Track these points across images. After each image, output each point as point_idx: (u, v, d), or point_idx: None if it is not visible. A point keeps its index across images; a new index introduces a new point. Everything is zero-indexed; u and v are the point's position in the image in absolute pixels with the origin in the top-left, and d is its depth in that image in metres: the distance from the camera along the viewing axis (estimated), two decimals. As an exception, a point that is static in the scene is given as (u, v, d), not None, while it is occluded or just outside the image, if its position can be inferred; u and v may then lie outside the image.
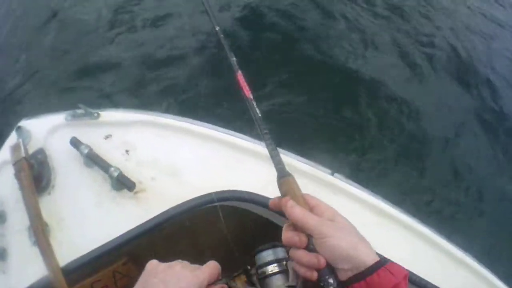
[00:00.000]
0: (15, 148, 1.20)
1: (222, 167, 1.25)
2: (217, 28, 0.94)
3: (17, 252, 1.18)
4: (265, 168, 1.12)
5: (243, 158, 1.27)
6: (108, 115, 1.33)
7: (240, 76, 0.86)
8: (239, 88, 0.86)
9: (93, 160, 1.20)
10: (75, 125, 1.31)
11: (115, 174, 1.16)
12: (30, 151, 1.26)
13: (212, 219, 1.17)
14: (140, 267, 1.15)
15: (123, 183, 1.16)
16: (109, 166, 1.17)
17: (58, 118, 1.34)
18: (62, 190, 1.23)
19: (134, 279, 1.13)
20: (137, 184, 1.18)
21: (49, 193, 1.22)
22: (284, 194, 0.75)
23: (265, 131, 0.79)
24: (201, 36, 3.53)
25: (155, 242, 1.19)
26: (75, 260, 1.09)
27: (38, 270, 1.09)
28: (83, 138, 1.24)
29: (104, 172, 1.18)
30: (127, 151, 1.26)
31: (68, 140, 1.24)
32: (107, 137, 1.29)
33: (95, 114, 1.32)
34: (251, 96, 0.83)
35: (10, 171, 1.20)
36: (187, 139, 1.29)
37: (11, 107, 3.21)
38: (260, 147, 1.26)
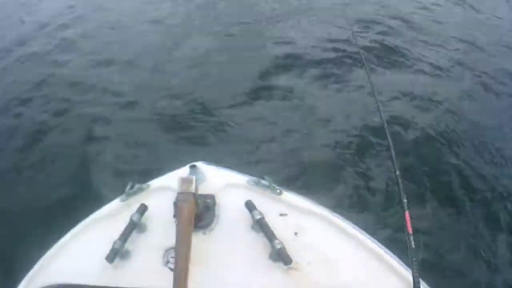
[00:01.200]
0: (185, 181, 1.31)
1: (369, 279, 1.28)
2: (397, 173, 1.10)
3: (141, 262, 1.35)
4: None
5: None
6: (290, 196, 1.43)
7: (407, 215, 1.05)
8: (404, 223, 1.04)
9: (262, 227, 1.29)
10: (255, 191, 1.42)
11: (278, 246, 1.24)
12: (200, 192, 1.40)
13: None
14: None
15: (281, 256, 1.24)
16: (275, 238, 1.26)
17: (239, 178, 1.50)
18: (218, 237, 1.36)
19: None
20: (293, 263, 1.26)
21: (204, 233, 1.37)
22: None
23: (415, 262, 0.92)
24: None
25: None
26: None
27: (153, 285, 1.26)
28: (258, 206, 1.34)
29: (268, 241, 1.27)
30: (296, 233, 1.35)
31: (243, 200, 1.37)
32: (282, 215, 1.38)
33: (278, 191, 1.42)
34: (411, 232, 1.00)
35: (169, 197, 1.35)
36: (350, 242, 1.34)
37: (188, 146, 3.51)
38: (405, 272, 1.27)
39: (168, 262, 1.35)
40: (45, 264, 1.45)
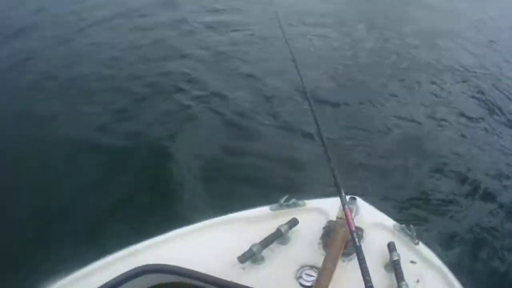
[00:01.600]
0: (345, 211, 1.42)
1: None
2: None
3: (272, 270, 1.39)
4: None
5: None
6: (424, 248, 1.53)
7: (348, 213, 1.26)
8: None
9: (395, 268, 1.37)
10: (398, 236, 1.56)
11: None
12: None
13: None
14: None
15: None
16: (403, 279, 1.33)
17: (388, 220, 1.62)
18: (354, 267, 1.35)
19: None
20: None
21: (343, 261, 1.43)
22: None
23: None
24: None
25: None
26: None
27: None
28: (397, 249, 1.45)
29: (396, 280, 1.34)
30: (417, 281, 1.41)
31: (386, 241, 1.48)
32: (412, 262, 1.48)
33: (416, 241, 1.55)
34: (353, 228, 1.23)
35: (321, 219, 1.48)
36: None
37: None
38: None
39: (300, 277, 1.38)
40: (156, 246, 1.44)
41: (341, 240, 1.40)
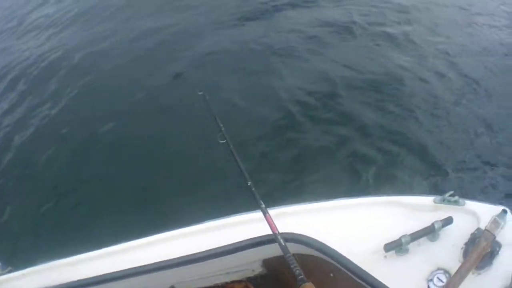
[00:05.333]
0: (495, 222, 1.38)
1: None
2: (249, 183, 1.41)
3: (406, 265, 1.38)
4: None
5: None
6: None
7: (269, 218, 1.29)
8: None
9: None
10: None
11: None
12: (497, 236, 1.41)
13: None
14: None
15: None
16: None
17: None
18: (480, 282, 1.35)
19: None
20: None
21: (473, 273, 1.36)
22: None
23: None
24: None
25: None
26: None
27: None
28: None
29: None
30: None
31: None
32: None
33: None
34: (277, 232, 1.24)
35: (474, 224, 1.41)
36: None
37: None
38: None
39: (431, 280, 1.37)
40: (299, 218, 1.49)
41: (481, 251, 1.34)
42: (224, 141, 1.69)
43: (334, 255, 1.39)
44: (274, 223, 1.39)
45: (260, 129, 4.08)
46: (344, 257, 1.37)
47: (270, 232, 1.39)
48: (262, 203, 1.46)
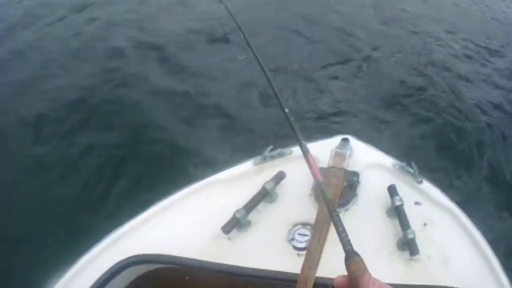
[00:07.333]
0: (338, 155, 1.29)
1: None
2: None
3: (262, 235, 1.22)
4: None
5: None
6: (428, 186, 1.37)
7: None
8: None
9: (399, 214, 1.22)
10: (398, 176, 1.37)
11: (411, 236, 1.16)
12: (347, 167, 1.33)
13: None
14: None
15: (410, 246, 1.16)
16: (409, 227, 1.18)
17: (386, 159, 1.43)
18: (353, 218, 1.26)
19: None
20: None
21: (339, 212, 1.23)
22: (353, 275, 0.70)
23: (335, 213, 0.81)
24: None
25: None
26: (328, 278, 1.05)
27: (273, 262, 1.13)
28: (399, 191, 1.28)
29: (401, 228, 1.20)
30: (425, 224, 1.27)
31: (385, 183, 1.30)
32: (416, 203, 1.33)
33: (420, 179, 1.37)
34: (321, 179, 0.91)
35: (302, 166, 1.20)
36: (471, 246, 1.25)
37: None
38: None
39: (293, 239, 1.21)
40: (137, 228, 1.25)
41: (335, 190, 1.22)
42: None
43: (178, 261, 1.19)
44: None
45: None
46: (186, 259, 1.18)
47: None
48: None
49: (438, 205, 1.34)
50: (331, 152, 1.31)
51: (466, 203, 1.60)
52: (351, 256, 0.75)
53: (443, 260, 1.21)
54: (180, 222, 1.27)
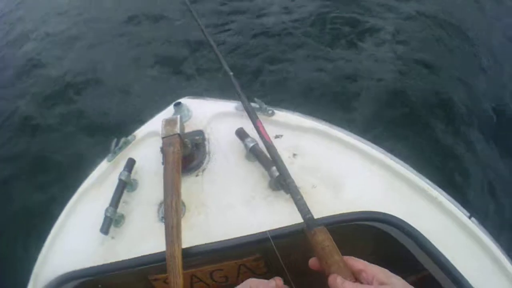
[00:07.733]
0: (169, 123, 1.19)
1: (381, 189, 1.13)
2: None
3: (137, 223, 1.21)
4: (415, 201, 1.09)
5: (399, 185, 1.13)
6: (283, 115, 1.30)
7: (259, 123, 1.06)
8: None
9: (256, 155, 1.16)
10: (245, 117, 1.22)
11: (276, 174, 1.08)
12: (187, 130, 1.29)
13: (352, 237, 1.06)
14: (269, 266, 1.11)
15: (282, 184, 1.10)
16: (272, 164, 1.10)
17: (227, 105, 1.36)
18: (212, 176, 1.23)
19: (257, 276, 1.11)
20: None
21: (197, 175, 1.24)
22: (320, 256, 0.67)
23: (289, 180, 0.80)
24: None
25: (293, 246, 1.09)
26: (204, 245, 1.08)
27: (153, 245, 1.11)
28: (250, 132, 1.20)
29: (264, 169, 1.14)
30: (294, 154, 1.22)
31: (234, 130, 1.24)
32: (277, 136, 1.26)
33: (270, 112, 1.30)
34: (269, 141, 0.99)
35: (157, 143, 1.22)
36: (354, 156, 1.20)
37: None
38: (434, 192, 1.10)
39: (163, 217, 1.16)
40: (47, 252, 1.27)
41: (174, 158, 1.14)
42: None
43: (78, 274, 1.18)
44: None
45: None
46: (82, 270, 1.18)
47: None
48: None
49: (302, 130, 1.26)
50: (163, 122, 1.22)
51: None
52: (314, 225, 0.68)
53: (331, 182, 1.15)
54: (70, 240, 1.27)
